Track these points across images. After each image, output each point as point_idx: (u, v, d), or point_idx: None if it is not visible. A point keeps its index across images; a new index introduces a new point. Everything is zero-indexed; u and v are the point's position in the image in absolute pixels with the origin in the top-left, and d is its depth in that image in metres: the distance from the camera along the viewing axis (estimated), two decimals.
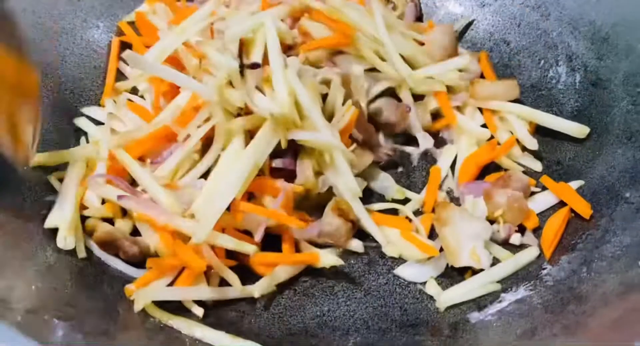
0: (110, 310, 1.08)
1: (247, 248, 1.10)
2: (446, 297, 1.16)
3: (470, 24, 1.66)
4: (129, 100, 1.40)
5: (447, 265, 1.20)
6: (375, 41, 1.36)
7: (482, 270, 1.19)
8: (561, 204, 1.29)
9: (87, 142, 1.36)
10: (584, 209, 1.25)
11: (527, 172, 1.36)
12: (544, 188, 1.32)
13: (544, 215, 1.29)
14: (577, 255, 1.18)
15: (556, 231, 1.24)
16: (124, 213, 1.22)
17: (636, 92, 1.33)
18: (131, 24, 1.56)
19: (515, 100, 1.45)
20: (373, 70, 1.38)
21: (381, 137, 1.39)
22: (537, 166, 1.38)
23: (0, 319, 0.82)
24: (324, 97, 1.25)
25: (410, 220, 1.25)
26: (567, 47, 1.50)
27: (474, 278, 1.18)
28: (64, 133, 1.37)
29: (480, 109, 1.46)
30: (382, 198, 1.33)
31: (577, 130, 1.37)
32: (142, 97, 1.42)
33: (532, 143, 1.38)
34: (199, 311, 1.11)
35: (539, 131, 1.42)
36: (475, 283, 1.18)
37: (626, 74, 1.37)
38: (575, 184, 1.31)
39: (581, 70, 1.46)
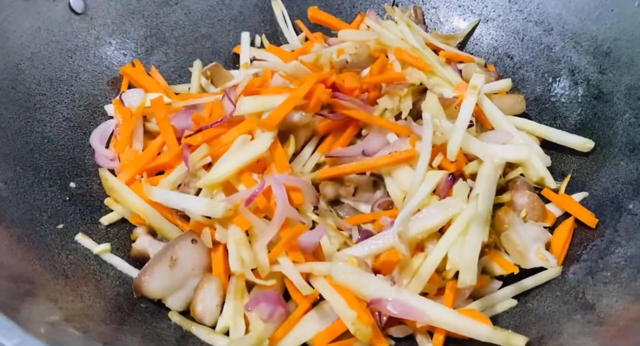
0: (126, 320, 1.10)
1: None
2: None
3: (475, 26, 1.70)
4: None
5: None
6: None
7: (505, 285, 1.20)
8: (565, 216, 1.31)
9: None
10: (589, 218, 1.27)
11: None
12: (546, 201, 1.34)
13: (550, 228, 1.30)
14: (582, 265, 1.21)
15: (564, 242, 1.26)
16: None
17: (638, 105, 1.36)
18: None
19: (521, 114, 1.48)
20: None
21: None
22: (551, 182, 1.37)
23: (25, 331, 0.84)
24: None
25: None
26: (569, 61, 1.53)
27: (492, 296, 1.18)
28: (80, 148, 1.40)
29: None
30: None
31: (582, 144, 1.40)
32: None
33: (546, 159, 1.39)
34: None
35: (543, 144, 1.44)
36: (493, 300, 1.18)
37: (628, 87, 1.39)
38: (579, 196, 1.34)
39: (584, 83, 1.49)
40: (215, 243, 1.18)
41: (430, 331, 1.11)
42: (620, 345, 0.94)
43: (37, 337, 0.85)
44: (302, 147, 1.36)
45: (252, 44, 1.73)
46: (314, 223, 1.22)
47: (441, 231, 1.15)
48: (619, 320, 1.01)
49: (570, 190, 1.36)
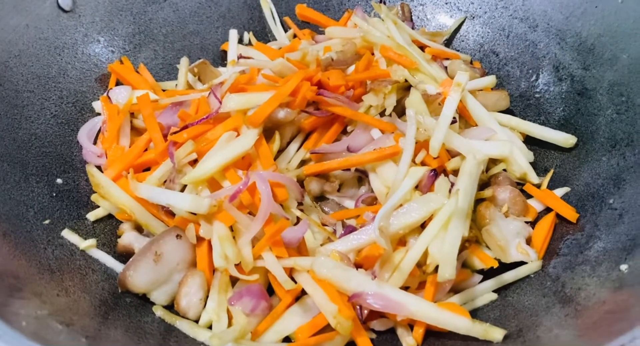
0: (111, 314, 1.12)
1: None
2: None
3: (462, 23, 1.71)
4: None
5: None
6: None
7: (485, 279, 1.22)
8: (547, 211, 1.33)
9: None
10: (570, 213, 1.29)
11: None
12: (529, 196, 1.35)
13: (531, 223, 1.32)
14: (562, 259, 1.22)
15: (545, 236, 1.27)
16: None
17: (621, 101, 1.37)
18: None
19: (505, 110, 1.50)
20: None
21: None
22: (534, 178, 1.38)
23: (6, 323, 0.86)
24: None
25: None
26: (554, 58, 1.54)
27: (473, 289, 1.20)
28: (67, 145, 1.41)
29: None
30: None
31: (564, 140, 1.41)
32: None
33: (529, 155, 1.41)
34: None
35: (527, 140, 1.45)
36: (474, 294, 1.20)
37: (611, 83, 1.41)
38: (561, 191, 1.35)
39: (568, 80, 1.50)
40: (200, 239, 1.19)
41: (410, 325, 1.13)
42: (594, 336, 0.96)
43: (19, 330, 0.87)
44: (288, 144, 1.38)
45: (241, 41, 1.74)
46: (299, 218, 1.23)
47: (423, 226, 1.16)
48: (595, 312, 1.03)
49: (552, 186, 1.37)
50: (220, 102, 1.30)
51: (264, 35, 1.77)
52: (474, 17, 1.70)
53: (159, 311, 1.16)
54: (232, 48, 1.68)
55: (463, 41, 1.71)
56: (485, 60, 1.66)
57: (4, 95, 1.36)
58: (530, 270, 1.22)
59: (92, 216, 1.32)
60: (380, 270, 1.14)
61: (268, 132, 1.33)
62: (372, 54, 1.50)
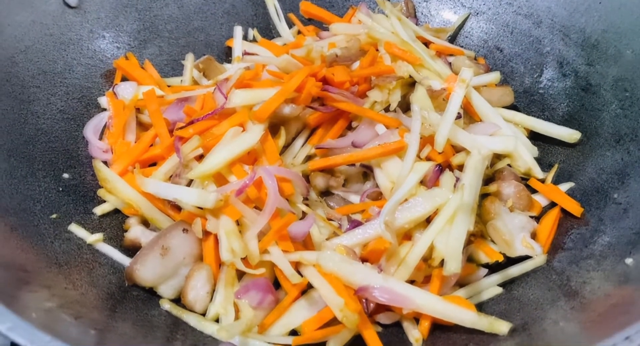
0: (118, 307, 1.13)
1: None
2: None
3: (466, 19, 1.72)
4: None
5: None
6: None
7: (491, 273, 1.23)
8: (551, 206, 1.34)
9: None
10: (575, 207, 1.30)
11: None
12: (533, 191, 1.36)
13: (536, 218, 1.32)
14: (567, 253, 1.23)
15: (550, 230, 1.28)
16: None
17: (625, 97, 1.38)
18: None
19: (510, 106, 1.50)
20: None
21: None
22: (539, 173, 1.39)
23: (17, 315, 0.87)
24: None
25: None
26: (558, 54, 1.54)
27: (478, 283, 1.21)
28: (73, 140, 1.42)
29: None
30: None
31: (569, 135, 1.42)
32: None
33: (533, 150, 1.42)
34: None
35: (531, 135, 1.46)
36: (479, 287, 1.21)
37: (615, 78, 1.41)
38: (565, 186, 1.36)
39: (572, 75, 1.51)
40: (206, 233, 1.20)
41: (416, 318, 1.14)
42: (599, 329, 0.96)
43: (30, 322, 0.87)
44: (293, 139, 1.39)
45: (245, 37, 1.74)
46: (304, 213, 1.24)
47: (428, 220, 1.17)
48: (600, 305, 1.03)
49: (557, 181, 1.38)
50: (226, 98, 1.31)
51: (269, 32, 1.78)
52: (478, 14, 1.71)
53: (166, 305, 1.17)
54: (237, 44, 1.68)
55: (467, 37, 1.71)
56: (489, 56, 1.67)
57: (11, 91, 1.37)
58: (535, 264, 1.23)
59: (98, 210, 1.32)
60: (386, 263, 1.14)
61: (273, 127, 1.34)
62: (377, 50, 1.50)
